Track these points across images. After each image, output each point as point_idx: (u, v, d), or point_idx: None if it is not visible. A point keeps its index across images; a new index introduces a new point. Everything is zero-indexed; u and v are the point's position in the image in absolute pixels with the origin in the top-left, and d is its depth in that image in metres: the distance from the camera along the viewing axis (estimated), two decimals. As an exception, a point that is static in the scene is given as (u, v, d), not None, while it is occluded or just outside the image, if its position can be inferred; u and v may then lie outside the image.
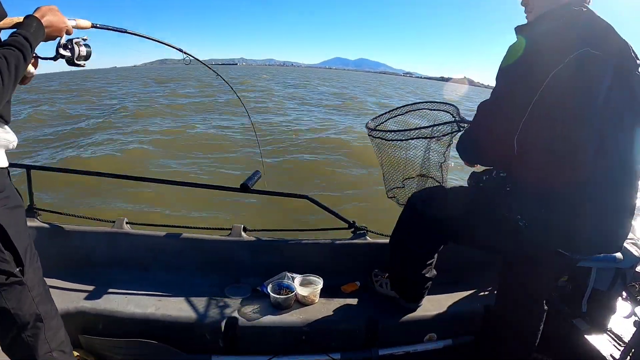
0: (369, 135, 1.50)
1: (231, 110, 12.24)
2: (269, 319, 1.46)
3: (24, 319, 0.88)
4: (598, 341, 1.41)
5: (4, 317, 0.86)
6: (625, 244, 1.53)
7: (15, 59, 0.79)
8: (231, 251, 1.78)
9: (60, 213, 1.89)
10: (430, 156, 1.45)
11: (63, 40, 1.00)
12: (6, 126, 0.91)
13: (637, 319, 1.46)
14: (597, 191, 1.01)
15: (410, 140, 1.37)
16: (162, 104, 13.96)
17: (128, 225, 1.84)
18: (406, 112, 1.57)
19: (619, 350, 1.35)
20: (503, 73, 1.04)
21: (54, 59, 1.04)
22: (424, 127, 1.35)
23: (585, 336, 1.43)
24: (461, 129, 1.30)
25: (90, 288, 1.55)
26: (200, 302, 1.53)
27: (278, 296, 1.52)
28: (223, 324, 1.42)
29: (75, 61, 1.05)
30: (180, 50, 1.51)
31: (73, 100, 16.34)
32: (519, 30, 1.07)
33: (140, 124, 9.58)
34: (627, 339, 1.38)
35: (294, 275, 1.63)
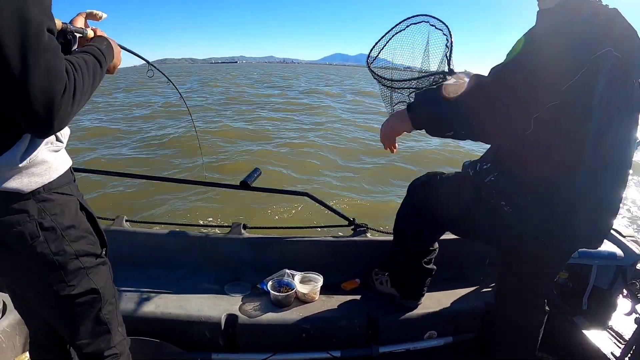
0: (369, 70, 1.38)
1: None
2: (269, 317, 1.46)
3: (105, 297, 0.91)
4: (598, 339, 1.41)
5: (92, 296, 0.88)
6: (625, 242, 1.53)
7: (92, 63, 0.73)
8: (231, 249, 1.78)
9: None
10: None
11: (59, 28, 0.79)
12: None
13: (637, 316, 1.47)
14: (588, 185, 1.01)
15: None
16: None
17: (127, 222, 1.83)
18: (396, 34, 1.38)
19: (620, 347, 1.35)
20: (526, 57, 0.96)
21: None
22: (414, 79, 1.26)
23: (586, 334, 1.43)
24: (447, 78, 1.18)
25: None
26: (200, 299, 1.53)
27: (278, 294, 1.52)
28: (223, 321, 1.42)
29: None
30: (147, 61, 1.36)
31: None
32: (541, 15, 1.04)
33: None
34: (627, 336, 1.38)
35: (294, 272, 1.63)
